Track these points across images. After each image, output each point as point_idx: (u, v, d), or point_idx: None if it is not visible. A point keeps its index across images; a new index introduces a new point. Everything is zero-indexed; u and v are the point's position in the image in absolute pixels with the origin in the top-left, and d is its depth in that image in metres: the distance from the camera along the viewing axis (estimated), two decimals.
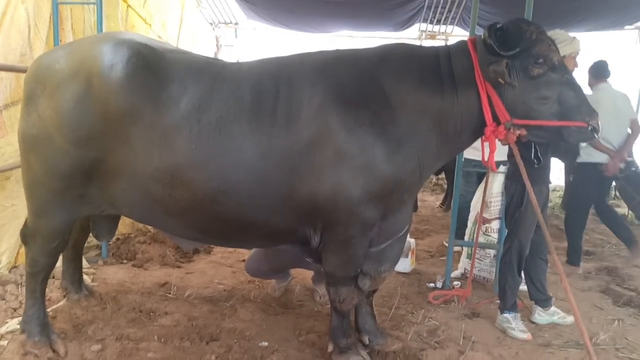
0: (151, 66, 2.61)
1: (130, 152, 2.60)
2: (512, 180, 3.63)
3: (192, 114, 2.56)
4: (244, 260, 4.88)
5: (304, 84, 2.66)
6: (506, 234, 3.80)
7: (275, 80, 2.69)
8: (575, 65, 3.53)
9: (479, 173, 5.38)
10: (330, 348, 3.05)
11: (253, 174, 2.59)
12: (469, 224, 4.86)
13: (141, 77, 2.57)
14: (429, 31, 9.84)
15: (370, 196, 2.63)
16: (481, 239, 4.45)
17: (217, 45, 9.95)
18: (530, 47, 2.55)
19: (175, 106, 2.56)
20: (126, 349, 3.05)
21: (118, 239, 5.10)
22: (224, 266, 4.77)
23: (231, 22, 10.11)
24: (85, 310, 3.50)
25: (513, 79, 2.56)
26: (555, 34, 3.14)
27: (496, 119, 2.64)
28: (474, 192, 5.04)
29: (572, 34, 3.62)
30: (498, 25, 2.54)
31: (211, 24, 9.80)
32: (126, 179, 2.67)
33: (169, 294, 3.97)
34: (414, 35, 10.05)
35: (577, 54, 3.53)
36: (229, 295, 4.01)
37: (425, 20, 8.95)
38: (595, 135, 2.68)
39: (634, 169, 6.95)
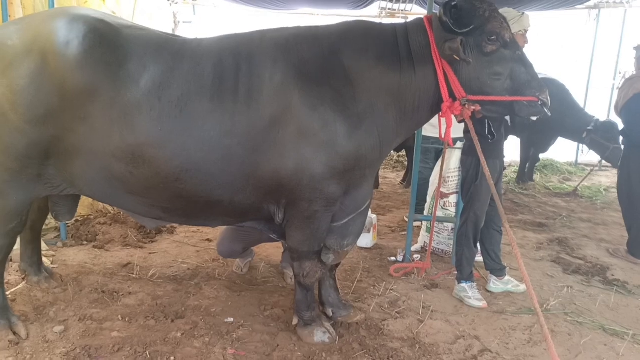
0: (109, 43, 2.55)
1: (89, 131, 2.55)
2: (468, 155, 3.75)
3: (153, 92, 2.53)
4: (208, 240, 4.91)
5: (266, 60, 2.67)
6: (462, 207, 3.93)
7: (237, 57, 2.68)
8: (526, 41, 3.63)
9: (436, 150, 5.53)
10: (295, 321, 3.13)
11: (216, 151, 2.60)
12: (428, 198, 5.00)
13: (98, 53, 2.51)
14: (388, 9, 9.88)
15: (333, 172, 2.68)
16: (440, 213, 4.59)
17: (174, 22, 9.70)
18: (484, 25, 2.63)
19: (134, 84, 2.53)
20: (90, 329, 3.04)
21: (77, 220, 5.00)
22: (187, 245, 4.76)
23: None
24: (45, 293, 3.45)
25: (467, 55, 2.63)
26: (505, 11, 3.23)
27: (452, 95, 2.72)
28: (432, 169, 5.19)
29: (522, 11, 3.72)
30: (453, 3, 2.60)
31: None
32: (86, 157, 2.63)
33: (132, 274, 3.95)
34: (374, 13, 10.07)
35: (527, 30, 3.63)
36: (194, 274, 4.02)
37: None
38: (545, 110, 2.79)
39: (595, 118, 7.37)
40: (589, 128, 7.16)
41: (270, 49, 2.72)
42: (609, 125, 7.09)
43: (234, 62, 2.66)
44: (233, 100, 2.59)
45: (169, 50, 2.68)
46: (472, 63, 2.67)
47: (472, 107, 2.72)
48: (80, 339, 2.93)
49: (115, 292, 3.57)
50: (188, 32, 9.60)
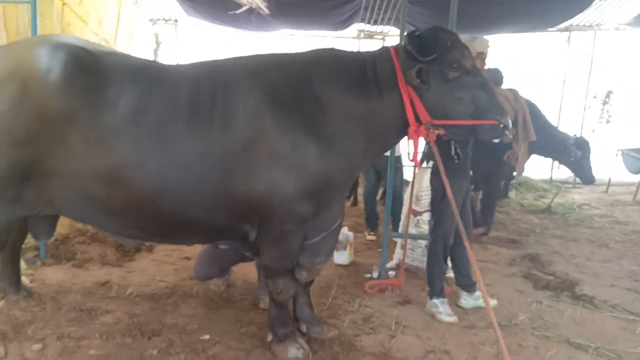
0: (88, 69, 2.66)
1: (68, 154, 2.64)
2: (436, 175, 3.87)
3: (130, 116, 2.63)
4: (186, 258, 4.96)
5: (239, 86, 2.78)
6: (432, 225, 4.05)
7: (212, 83, 2.79)
8: (483, 63, 3.79)
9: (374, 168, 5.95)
10: (269, 337, 3.20)
11: (191, 174, 2.69)
12: (402, 216, 5.13)
13: (78, 80, 2.61)
14: (366, 31, 10.12)
15: (303, 193, 2.79)
16: (413, 231, 4.72)
17: (156, 42, 9.83)
18: (446, 53, 2.78)
19: (112, 109, 2.62)
20: (67, 347, 3.08)
21: (57, 239, 5.01)
22: (166, 264, 4.81)
23: (171, 19, 10.02)
24: (24, 311, 3.48)
25: (431, 82, 2.78)
26: None
27: (418, 120, 2.86)
28: (374, 185, 5.95)
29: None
30: (417, 34, 2.76)
31: (151, 20, 9.68)
32: (64, 179, 2.71)
33: (110, 292, 3.99)
34: (353, 34, 10.30)
35: (481, 53, 3.78)
36: (171, 292, 4.07)
37: (363, 21, 9.20)
38: (507, 132, 2.95)
39: (568, 135, 7.52)
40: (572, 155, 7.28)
41: (244, 75, 2.84)
42: (581, 142, 7.29)
43: (210, 88, 2.77)
44: (208, 125, 2.69)
45: (147, 76, 2.79)
46: (436, 89, 2.81)
47: (437, 131, 2.87)
48: (57, 357, 2.97)
49: (93, 311, 3.61)
50: (170, 52, 9.73)
